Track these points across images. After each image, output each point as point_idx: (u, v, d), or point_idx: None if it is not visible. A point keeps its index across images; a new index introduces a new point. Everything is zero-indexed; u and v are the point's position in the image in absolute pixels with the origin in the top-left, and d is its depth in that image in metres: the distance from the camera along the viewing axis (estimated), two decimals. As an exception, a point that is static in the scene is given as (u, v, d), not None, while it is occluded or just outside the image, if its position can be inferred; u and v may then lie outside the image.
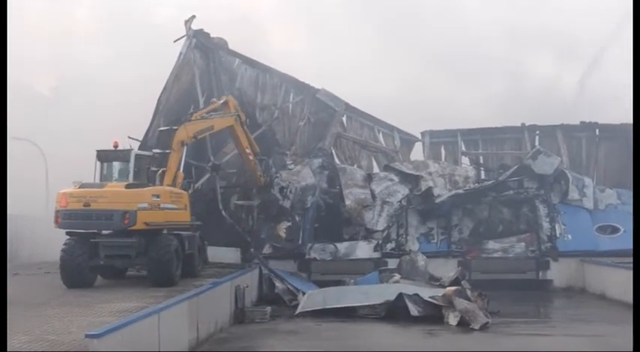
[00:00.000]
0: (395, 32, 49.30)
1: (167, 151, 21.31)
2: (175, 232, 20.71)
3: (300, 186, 29.50)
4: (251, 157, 27.92)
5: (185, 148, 22.41)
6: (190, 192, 22.90)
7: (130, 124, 26.89)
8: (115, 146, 20.78)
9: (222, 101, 26.34)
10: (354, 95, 35.46)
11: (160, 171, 20.80)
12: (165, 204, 19.85)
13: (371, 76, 46.61)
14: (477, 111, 40.75)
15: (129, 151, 20.97)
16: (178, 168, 21.84)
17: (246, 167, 28.57)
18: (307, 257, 27.76)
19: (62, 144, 35.90)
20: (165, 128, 22.50)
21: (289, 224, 28.64)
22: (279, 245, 28.07)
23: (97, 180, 20.43)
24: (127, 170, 20.59)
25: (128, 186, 19.47)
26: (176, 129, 21.93)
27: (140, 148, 23.18)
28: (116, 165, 21.12)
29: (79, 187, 19.51)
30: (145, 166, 20.88)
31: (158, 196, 19.60)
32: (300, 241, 28.21)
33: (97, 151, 20.80)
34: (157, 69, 30.04)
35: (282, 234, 28.45)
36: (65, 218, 19.30)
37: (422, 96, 44.36)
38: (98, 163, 20.76)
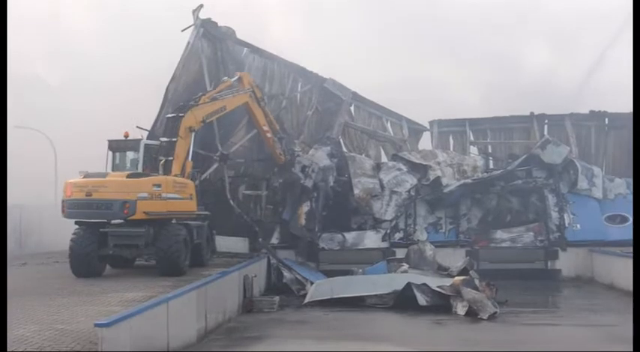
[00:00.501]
0: (402, 23, 49.05)
1: (174, 139, 21.09)
2: (184, 222, 20.73)
3: (320, 166, 29.16)
4: (269, 135, 27.53)
5: (193, 135, 21.95)
6: (197, 182, 22.77)
7: (139, 114, 26.95)
8: (126, 136, 20.97)
9: (235, 78, 26.00)
10: (361, 85, 35.42)
11: (164, 160, 20.66)
12: (168, 193, 19.68)
13: (378, 66, 46.52)
14: (485, 100, 40.59)
15: (138, 141, 21.06)
16: (187, 157, 21.54)
17: (265, 146, 28.21)
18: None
19: (72, 133, 36.05)
20: (172, 115, 22.15)
21: (308, 207, 28.21)
22: (298, 252, 27.35)
23: (109, 170, 20.56)
24: (138, 160, 20.74)
25: (130, 176, 19.45)
26: (182, 116, 21.63)
27: (148, 138, 23.09)
28: (129, 155, 21.24)
29: (84, 177, 19.60)
30: (154, 156, 20.94)
31: (159, 186, 19.47)
32: (316, 228, 27.95)
33: (109, 141, 21.04)
34: (165, 58, 30.00)
35: (303, 220, 28.04)
36: (69, 207, 19.46)
37: (429, 85, 44.22)
38: (110, 153, 21.02)
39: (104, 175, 19.71)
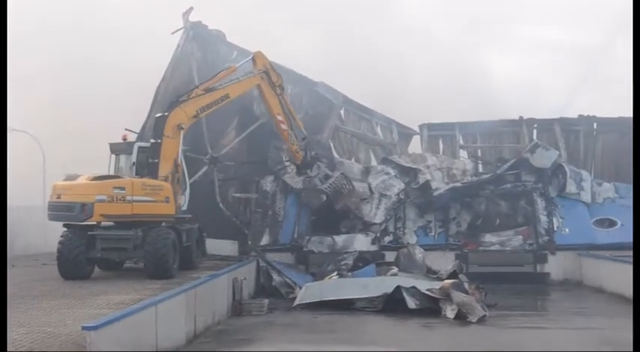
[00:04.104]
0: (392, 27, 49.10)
1: (159, 141, 20.90)
2: (173, 225, 20.65)
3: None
4: (283, 126, 25.51)
5: (183, 133, 21.32)
6: (184, 184, 22.36)
7: (129, 116, 26.91)
8: (124, 139, 21.11)
9: (244, 61, 24.74)
10: (351, 88, 35.38)
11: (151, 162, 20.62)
12: (135, 196, 19.44)
13: (366, 70, 46.40)
14: (474, 103, 40.67)
15: (132, 143, 21.09)
16: (177, 157, 21.15)
17: (281, 141, 27.00)
18: (305, 249, 27.73)
19: (61, 137, 35.96)
20: (160, 114, 21.94)
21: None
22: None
23: (112, 173, 20.88)
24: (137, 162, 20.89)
25: (95, 179, 19.65)
26: (167, 115, 21.34)
27: (138, 140, 23.04)
28: (130, 158, 21.27)
29: (64, 180, 20.01)
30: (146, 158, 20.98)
31: (122, 188, 19.38)
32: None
33: (110, 144, 21.29)
34: (155, 60, 29.95)
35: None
36: (48, 209, 20.01)
37: (421, 89, 44.27)
38: (113, 156, 21.34)
39: (74, 178, 19.97)
